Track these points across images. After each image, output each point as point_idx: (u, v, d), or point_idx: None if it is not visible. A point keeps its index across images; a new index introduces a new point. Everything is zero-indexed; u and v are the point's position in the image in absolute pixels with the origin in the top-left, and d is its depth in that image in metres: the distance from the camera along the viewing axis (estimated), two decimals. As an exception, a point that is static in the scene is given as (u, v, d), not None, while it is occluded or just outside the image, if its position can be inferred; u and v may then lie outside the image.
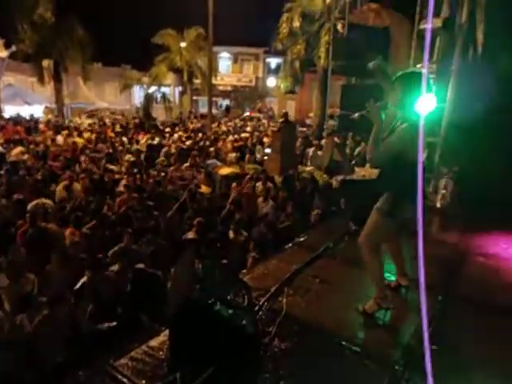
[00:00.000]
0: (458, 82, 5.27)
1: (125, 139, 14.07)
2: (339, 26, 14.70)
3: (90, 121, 19.61)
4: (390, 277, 3.29)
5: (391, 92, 2.72)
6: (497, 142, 5.30)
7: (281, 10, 17.25)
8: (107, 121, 20.06)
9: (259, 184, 7.64)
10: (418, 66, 5.78)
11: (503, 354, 2.50)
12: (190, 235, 5.30)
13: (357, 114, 2.85)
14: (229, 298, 2.43)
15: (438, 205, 5.59)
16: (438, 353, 2.47)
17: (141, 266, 4.32)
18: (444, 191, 5.62)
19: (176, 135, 15.13)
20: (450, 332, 2.73)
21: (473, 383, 2.29)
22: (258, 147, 13.09)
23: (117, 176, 8.35)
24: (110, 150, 11.56)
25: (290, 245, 4.27)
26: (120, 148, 12.32)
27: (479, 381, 2.31)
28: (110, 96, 28.24)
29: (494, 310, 3.02)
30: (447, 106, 5.39)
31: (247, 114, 27.05)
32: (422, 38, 6.04)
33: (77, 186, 7.23)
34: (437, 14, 5.33)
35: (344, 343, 2.55)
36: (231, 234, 5.42)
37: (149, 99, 21.18)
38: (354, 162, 9.12)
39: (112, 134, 15.15)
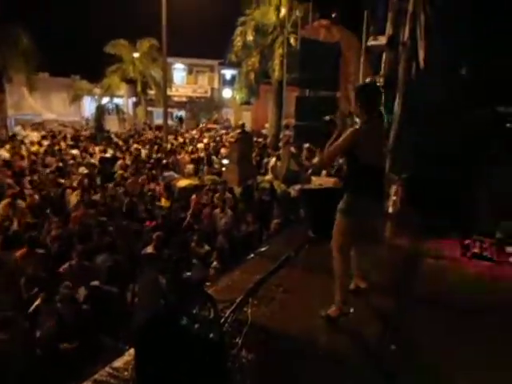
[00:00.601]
0: (403, 95, 5.64)
1: (75, 152, 13.53)
2: (292, 40, 15.19)
3: (36, 133, 18.64)
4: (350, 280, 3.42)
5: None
6: (441, 150, 5.66)
7: (235, 22, 17.53)
8: (57, 133, 19.20)
9: (217, 195, 7.66)
10: (367, 79, 6.09)
11: (461, 352, 2.63)
12: (149, 250, 5.21)
13: (327, 117, 3.17)
14: (194, 311, 2.42)
15: (391, 210, 5.88)
16: (397, 353, 2.62)
17: (95, 283, 4.17)
18: (395, 197, 5.93)
19: (132, 148, 14.75)
20: (408, 332, 2.88)
21: (432, 382, 2.42)
22: (215, 158, 13.11)
23: (68, 191, 8.02)
24: (60, 164, 11.07)
25: (252, 255, 4.31)
26: (71, 161, 11.83)
27: (439, 379, 2.44)
28: (58, 107, 27.01)
29: (448, 310, 3.20)
30: (394, 117, 5.73)
31: (203, 124, 26.98)
32: (370, 53, 6.42)
33: (21, 204, 6.87)
34: (382, 32, 5.68)
35: (309, 349, 2.62)
36: (193, 247, 5.38)
37: (101, 111, 20.56)
38: (310, 172, 9.37)
39: (63, 147, 14.53)
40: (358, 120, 2.95)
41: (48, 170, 10.04)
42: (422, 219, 5.22)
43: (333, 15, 8.58)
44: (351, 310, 3.01)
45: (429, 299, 3.34)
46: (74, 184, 8.61)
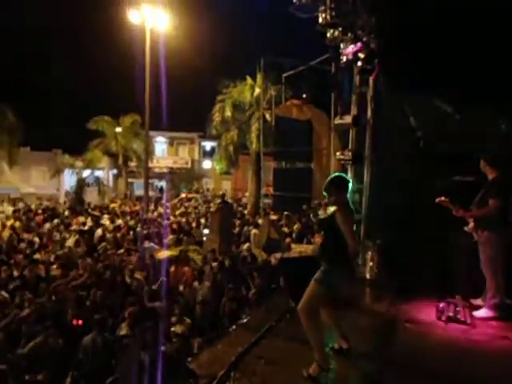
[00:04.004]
0: (370, 168, 6.13)
1: (48, 226, 13.31)
2: (268, 116, 16.28)
3: (12, 208, 18.43)
4: (332, 341, 3.52)
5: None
6: (411, 218, 6.02)
7: (214, 97, 18.69)
8: (33, 206, 19.05)
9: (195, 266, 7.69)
10: (338, 153, 6.59)
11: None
12: (124, 330, 4.99)
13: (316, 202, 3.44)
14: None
15: (368, 276, 6.05)
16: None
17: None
18: (371, 263, 6.13)
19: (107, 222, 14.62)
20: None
21: None
22: (196, 228, 13.21)
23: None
24: (36, 239, 10.93)
25: (234, 327, 4.31)
26: (48, 235, 11.69)
27: None
28: (37, 180, 27.12)
29: (424, 373, 3.28)
30: (364, 187, 6.15)
31: (183, 195, 27.35)
32: (338, 130, 7.03)
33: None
34: (348, 112, 6.30)
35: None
36: (174, 324, 5.28)
37: (81, 184, 20.73)
38: (288, 240, 9.58)
39: (40, 221, 14.39)
40: (330, 208, 3.29)
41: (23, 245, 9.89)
42: (398, 283, 5.40)
43: (304, 95, 9.40)
44: (331, 367, 3.13)
45: (406, 363, 3.42)
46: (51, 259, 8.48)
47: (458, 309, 4.47)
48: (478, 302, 4.62)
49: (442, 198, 4.59)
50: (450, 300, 4.72)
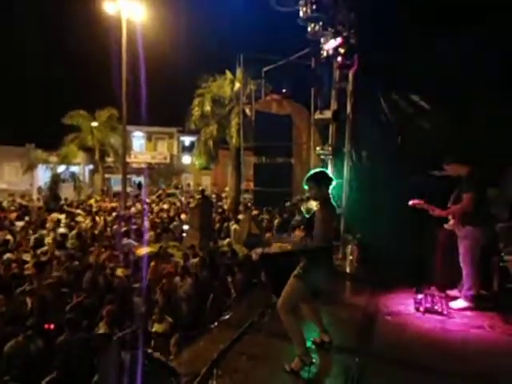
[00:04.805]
0: (350, 163, 6.19)
1: (21, 224, 12.92)
2: (247, 110, 16.20)
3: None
4: (313, 334, 3.56)
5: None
6: (390, 212, 6.11)
7: (193, 91, 18.43)
8: (5, 203, 18.41)
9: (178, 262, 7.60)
10: (318, 148, 6.62)
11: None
12: (102, 329, 4.87)
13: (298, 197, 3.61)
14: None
15: (348, 270, 6.12)
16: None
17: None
18: (351, 257, 6.21)
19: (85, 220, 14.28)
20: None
21: None
22: (176, 223, 13.06)
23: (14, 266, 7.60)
24: (8, 237, 10.55)
25: (216, 324, 4.28)
26: (22, 234, 11.32)
27: None
28: (9, 176, 26.27)
29: (404, 364, 3.34)
30: (344, 182, 6.20)
31: (161, 191, 27.01)
32: (318, 125, 7.05)
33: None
34: (328, 107, 6.33)
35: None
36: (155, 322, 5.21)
37: (56, 179, 20.16)
38: (269, 235, 9.59)
39: (12, 218, 13.92)
40: (312, 202, 3.30)
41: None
42: (377, 277, 5.49)
43: (283, 90, 9.38)
44: (313, 361, 3.16)
45: (386, 354, 3.50)
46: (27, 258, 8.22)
47: (435, 300, 4.58)
48: (455, 292, 4.75)
49: (416, 201, 4.66)
50: (428, 292, 4.84)
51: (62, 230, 11.49)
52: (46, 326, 5.01)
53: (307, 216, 3.41)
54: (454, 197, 4.58)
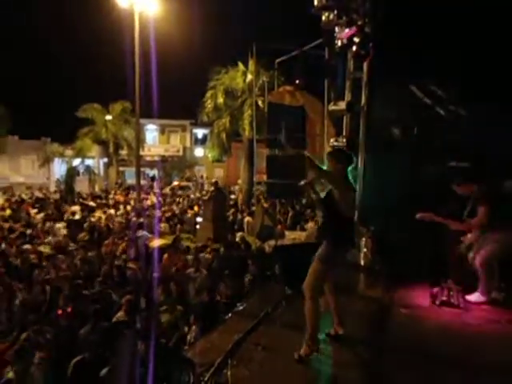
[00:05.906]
0: (364, 154, 6.11)
1: (39, 216, 13.18)
2: (260, 102, 16.10)
3: (2, 198, 18.19)
4: (328, 327, 3.55)
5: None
6: (405, 204, 6.03)
7: (206, 83, 18.39)
8: (24, 196, 18.80)
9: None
10: (332, 139, 6.55)
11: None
12: (121, 316, 5.01)
13: (302, 182, 3.62)
14: (175, 377, 2.42)
15: (362, 263, 6.08)
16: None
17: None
18: (365, 249, 6.16)
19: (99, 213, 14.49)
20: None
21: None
22: (188, 216, 13.15)
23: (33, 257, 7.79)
24: (27, 230, 10.79)
25: (230, 314, 4.31)
26: (39, 226, 11.57)
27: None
28: (26, 169, 26.76)
29: (419, 357, 3.31)
30: (358, 174, 6.12)
31: (175, 183, 27.16)
32: (332, 116, 6.95)
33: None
34: (342, 98, 6.23)
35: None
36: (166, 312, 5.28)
37: (71, 173, 20.47)
38: (282, 227, 9.59)
39: (30, 211, 14.22)
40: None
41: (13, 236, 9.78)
42: (392, 269, 5.44)
43: (296, 81, 9.27)
44: (319, 348, 3.22)
45: (402, 347, 3.46)
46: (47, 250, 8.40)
47: (451, 293, 4.52)
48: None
49: (424, 214, 4.52)
50: (444, 285, 4.77)
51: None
52: (62, 311, 5.16)
53: (323, 196, 3.43)
54: (467, 211, 4.49)
